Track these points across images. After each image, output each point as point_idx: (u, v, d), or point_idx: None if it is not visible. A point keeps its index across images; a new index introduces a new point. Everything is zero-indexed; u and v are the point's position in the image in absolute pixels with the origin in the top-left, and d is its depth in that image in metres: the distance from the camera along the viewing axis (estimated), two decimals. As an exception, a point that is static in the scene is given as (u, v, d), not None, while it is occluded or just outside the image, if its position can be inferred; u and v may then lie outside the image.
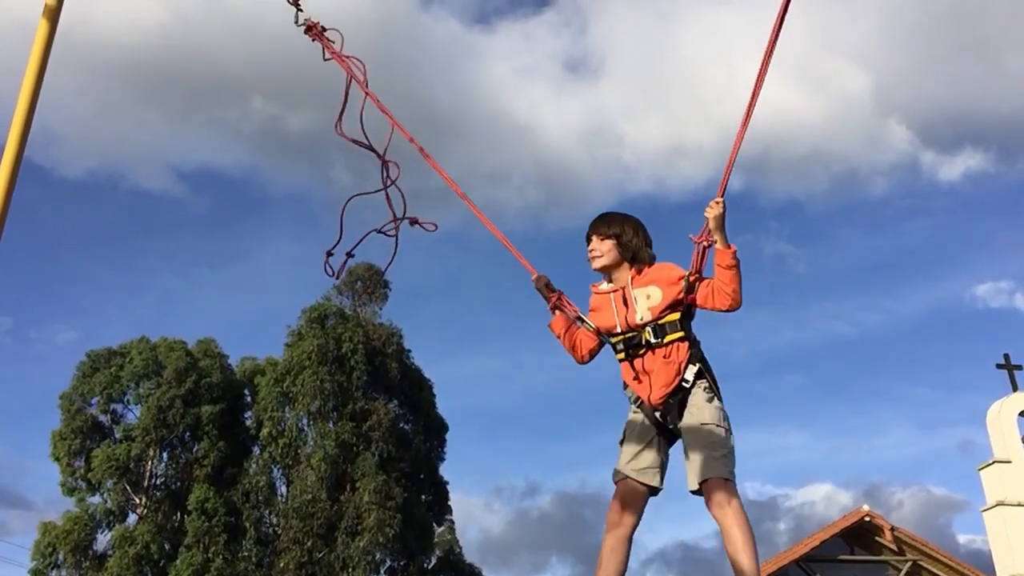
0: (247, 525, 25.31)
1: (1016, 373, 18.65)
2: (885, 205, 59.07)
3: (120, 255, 49.85)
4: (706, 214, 3.68)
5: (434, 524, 27.99)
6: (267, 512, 26.00)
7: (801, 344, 61.48)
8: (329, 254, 4.23)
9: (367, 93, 4.33)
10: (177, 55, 47.41)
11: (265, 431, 26.12)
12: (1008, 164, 59.81)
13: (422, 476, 27.71)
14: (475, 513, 49.30)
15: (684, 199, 53.57)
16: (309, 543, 24.51)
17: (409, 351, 28.85)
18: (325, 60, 4.39)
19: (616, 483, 3.82)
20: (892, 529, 20.19)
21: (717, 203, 3.67)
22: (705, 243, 3.76)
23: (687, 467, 3.74)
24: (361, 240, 4.24)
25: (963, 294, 59.23)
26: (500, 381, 56.54)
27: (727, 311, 3.75)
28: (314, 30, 4.39)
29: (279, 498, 26.14)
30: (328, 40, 4.41)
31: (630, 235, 4.02)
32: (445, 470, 28.79)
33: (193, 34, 48.98)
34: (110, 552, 24.76)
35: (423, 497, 27.54)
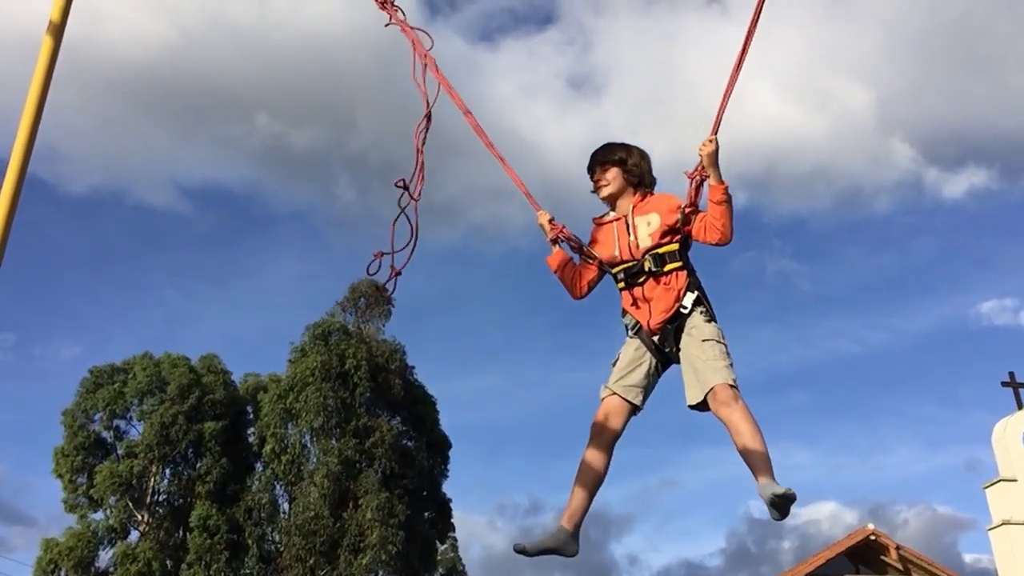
0: (249, 542, 25.22)
1: (1022, 391, 18.58)
2: (889, 222, 59.09)
3: (124, 271, 50.04)
4: (699, 151, 3.81)
5: (437, 542, 27.90)
6: (269, 529, 25.91)
7: (806, 362, 61.36)
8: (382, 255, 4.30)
9: (426, 60, 4.41)
10: (182, 72, 47.74)
11: (268, 448, 26.06)
12: (1012, 181, 59.87)
13: (425, 493, 27.61)
14: (478, 530, 49.11)
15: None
16: (312, 560, 24.41)
17: (412, 368, 28.82)
18: (386, 26, 4.46)
19: (603, 399, 3.94)
20: (897, 548, 20.08)
21: (710, 141, 3.79)
22: (698, 177, 3.88)
23: (688, 383, 3.82)
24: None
25: (968, 312, 59.11)
26: (503, 398, 56.38)
27: (717, 244, 3.89)
28: None
29: (282, 515, 26.06)
30: (395, 8, 4.45)
31: (636, 159, 4.17)
32: (448, 487, 28.73)
33: (198, 51, 49.33)
34: (112, 569, 24.69)
35: (426, 514, 27.44)
